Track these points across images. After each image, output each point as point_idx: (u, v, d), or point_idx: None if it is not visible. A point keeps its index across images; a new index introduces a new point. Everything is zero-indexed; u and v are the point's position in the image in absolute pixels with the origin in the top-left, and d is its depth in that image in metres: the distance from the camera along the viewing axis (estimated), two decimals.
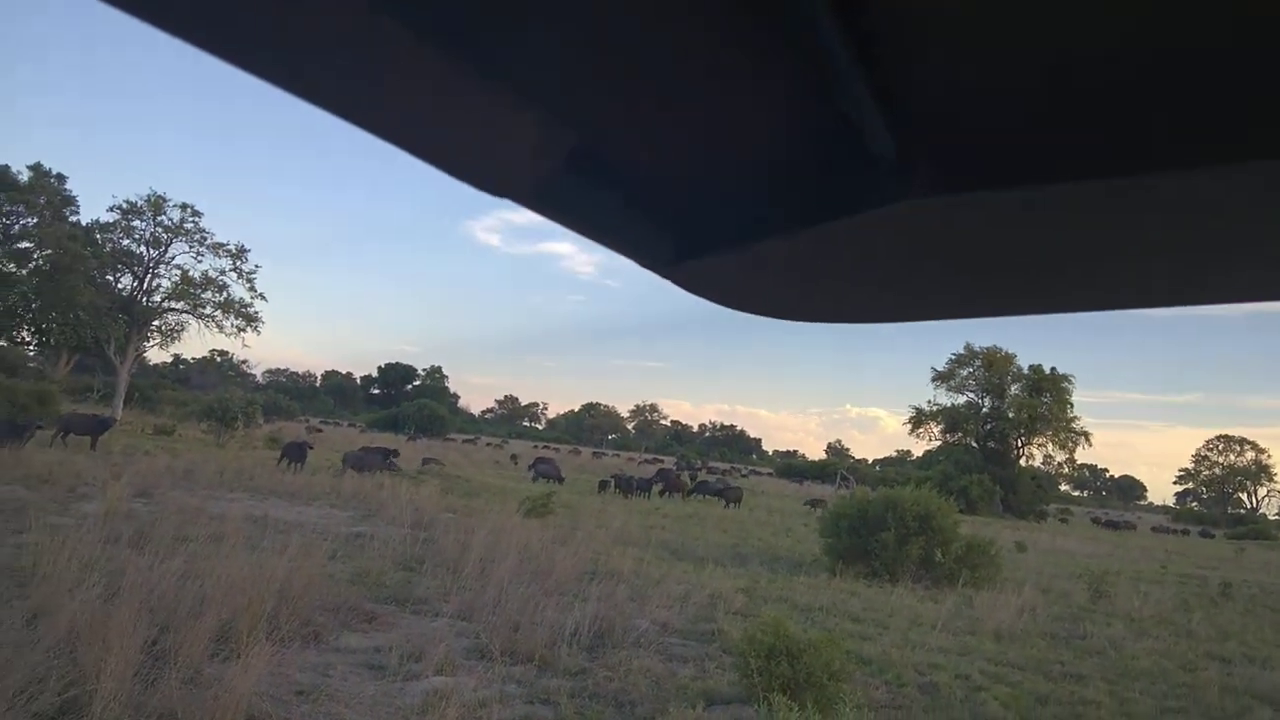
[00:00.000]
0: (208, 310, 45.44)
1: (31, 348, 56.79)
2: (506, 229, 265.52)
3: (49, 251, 42.36)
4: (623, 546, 15.71)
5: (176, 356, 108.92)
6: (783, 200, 0.68)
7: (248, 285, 46.44)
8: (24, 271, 44.41)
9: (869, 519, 17.08)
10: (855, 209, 0.62)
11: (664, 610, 10.60)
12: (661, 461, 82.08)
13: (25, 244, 44.42)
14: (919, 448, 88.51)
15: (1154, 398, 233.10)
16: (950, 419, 74.03)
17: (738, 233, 0.71)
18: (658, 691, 7.29)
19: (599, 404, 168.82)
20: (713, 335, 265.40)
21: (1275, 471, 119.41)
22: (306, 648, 7.39)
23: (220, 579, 7.75)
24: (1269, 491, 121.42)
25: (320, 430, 59.22)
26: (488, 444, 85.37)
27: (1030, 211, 0.59)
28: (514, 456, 58.46)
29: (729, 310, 0.88)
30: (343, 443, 46.79)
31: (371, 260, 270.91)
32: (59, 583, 7.28)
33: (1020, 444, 72.92)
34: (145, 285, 45.49)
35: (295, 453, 26.45)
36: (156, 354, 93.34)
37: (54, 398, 36.19)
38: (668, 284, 0.80)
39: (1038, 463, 74.55)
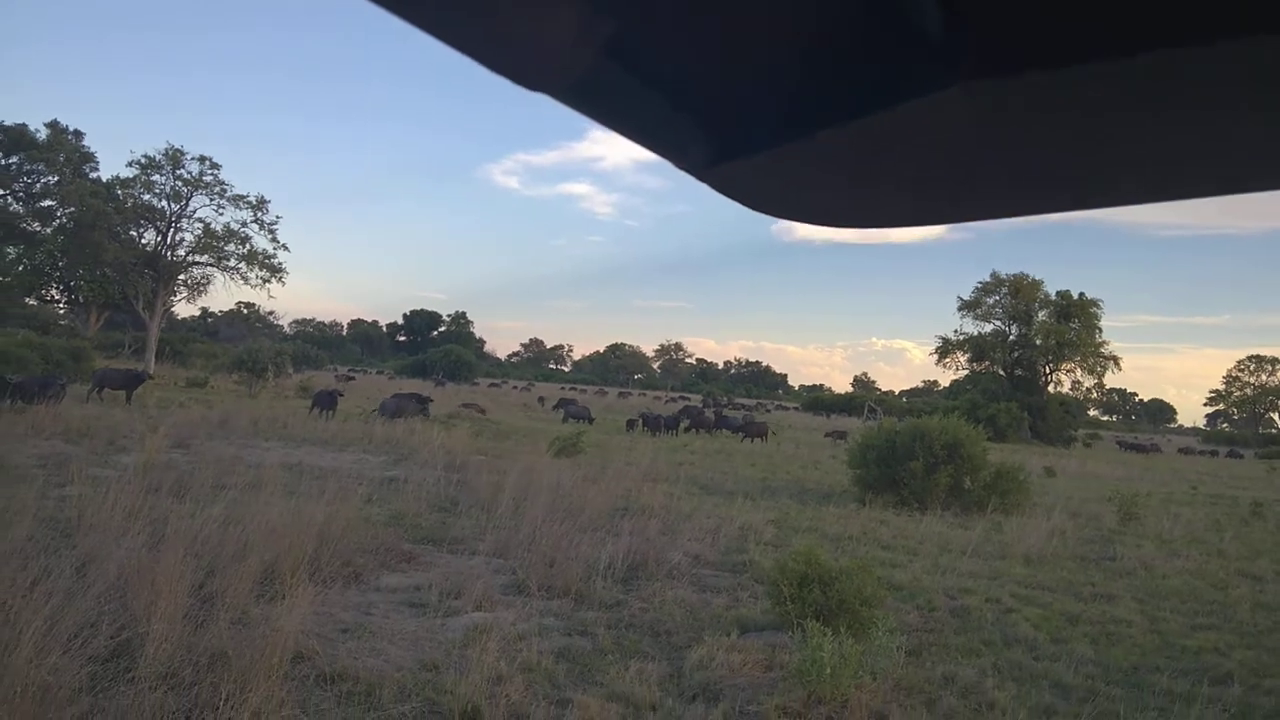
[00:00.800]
0: (232, 263, 45.71)
1: (61, 305, 57.66)
2: (525, 171, 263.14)
3: (72, 209, 42.62)
4: (653, 483, 15.86)
5: (204, 310, 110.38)
6: (825, 91, 0.63)
7: (270, 236, 46.60)
8: (49, 230, 44.81)
9: (897, 449, 17.08)
10: (899, 99, 0.57)
11: (696, 543, 10.74)
12: (688, 399, 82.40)
13: (48, 202, 44.73)
14: (946, 378, 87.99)
15: (1183, 319, 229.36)
16: (977, 348, 73.39)
17: (774, 132, 0.67)
18: (692, 621, 7.42)
19: (624, 344, 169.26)
20: (736, 272, 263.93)
21: None
22: (348, 588, 7.58)
23: (261, 524, 7.92)
24: None
25: (352, 379, 60.02)
26: (514, 387, 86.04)
27: (1100, 92, 0.54)
28: (541, 399, 58.92)
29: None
30: (373, 390, 47.42)
31: (391, 207, 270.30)
32: (105, 532, 7.50)
33: (1048, 370, 72.28)
34: (169, 240, 45.75)
35: (326, 401, 26.82)
36: (184, 308, 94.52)
37: (87, 354, 36.83)
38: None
39: (1066, 389, 73.90)
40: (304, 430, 21.55)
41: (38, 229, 45.01)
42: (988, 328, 73.85)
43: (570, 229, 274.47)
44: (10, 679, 4.06)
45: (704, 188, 0.76)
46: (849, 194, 0.86)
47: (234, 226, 45.80)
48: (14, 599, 4.86)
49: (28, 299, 60.60)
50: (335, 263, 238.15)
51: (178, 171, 44.87)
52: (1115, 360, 72.08)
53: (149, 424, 18.46)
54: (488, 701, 5.10)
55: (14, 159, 43.88)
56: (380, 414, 26.26)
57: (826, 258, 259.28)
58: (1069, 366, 72.06)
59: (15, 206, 44.32)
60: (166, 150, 44.52)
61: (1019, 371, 71.95)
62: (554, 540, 9.19)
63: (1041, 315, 72.04)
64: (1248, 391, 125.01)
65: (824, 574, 6.75)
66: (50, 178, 44.29)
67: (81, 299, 47.69)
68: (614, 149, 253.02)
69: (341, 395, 29.20)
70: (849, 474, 18.83)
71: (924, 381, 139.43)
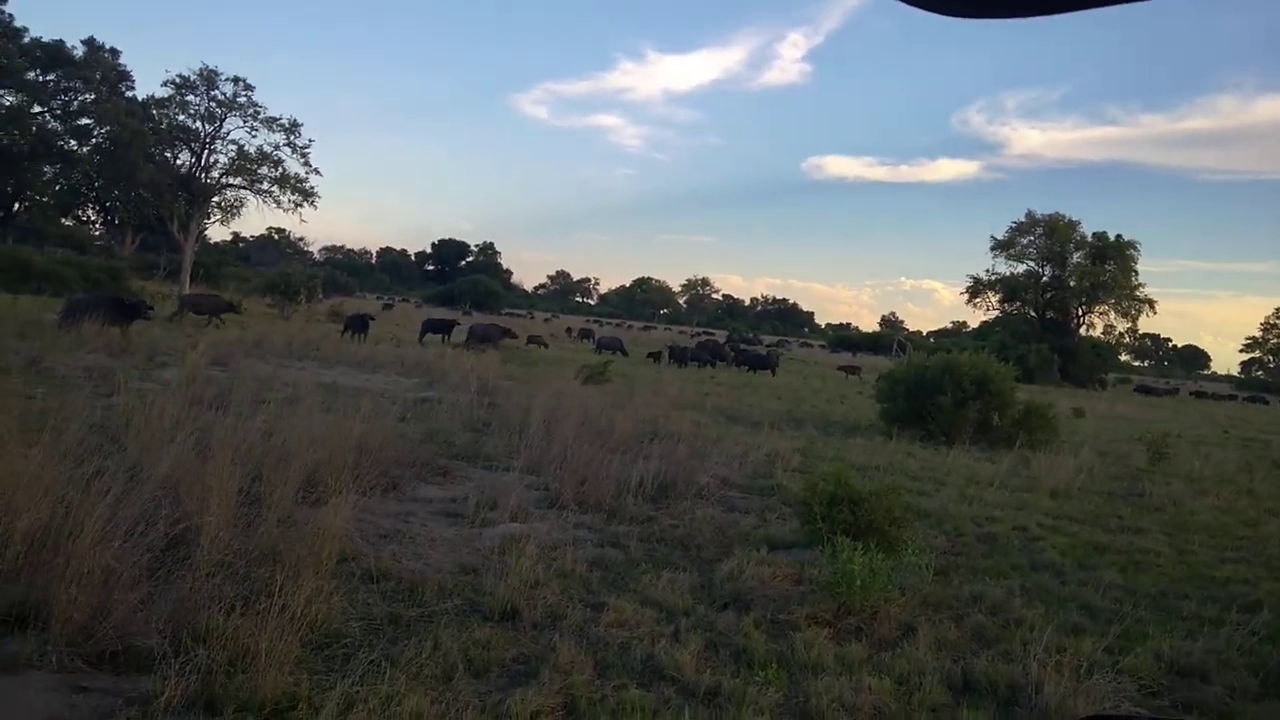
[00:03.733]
0: (264, 185, 45.71)
1: (97, 226, 58.32)
2: (553, 101, 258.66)
3: (108, 128, 42.68)
4: (680, 410, 15.98)
5: (236, 234, 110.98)
6: None
7: (302, 160, 46.46)
8: (85, 149, 44.99)
9: (925, 383, 17.03)
10: None
11: (723, 467, 10.88)
12: (712, 335, 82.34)
13: (85, 121, 44.81)
14: (975, 319, 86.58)
15: (1224, 266, 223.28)
16: (1009, 288, 72.19)
17: None
18: (721, 537, 7.56)
19: (650, 279, 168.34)
20: (765, 208, 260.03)
21: None
22: (386, 497, 7.79)
23: (302, 435, 8.10)
24: None
25: (390, 306, 61.15)
26: (544, 319, 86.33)
27: None
28: (569, 329, 59.44)
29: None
30: (405, 319, 47.89)
31: (420, 135, 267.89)
32: (153, 438, 7.71)
33: (1081, 313, 71.13)
34: (203, 161, 45.76)
35: (358, 324, 27.14)
36: (217, 231, 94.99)
37: (124, 274, 37.35)
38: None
39: (1098, 332, 72.79)
40: (337, 352, 21.86)
41: (74, 148, 45.21)
42: (1020, 268, 72.57)
43: (598, 161, 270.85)
44: (77, 562, 4.25)
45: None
46: None
47: (267, 149, 45.67)
48: (73, 492, 5.04)
49: (64, 219, 61.36)
50: (365, 190, 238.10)
51: (212, 92, 44.62)
52: (1150, 304, 70.78)
53: (188, 342, 18.82)
54: (526, 603, 5.28)
55: (51, 76, 43.89)
56: (469, 340, 28.92)
57: (857, 195, 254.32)
58: (1102, 309, 70.89)
59: (53, 124, 44.50)
60: (201, 70, 44.22)
61: (1050, 313, 70.87)
62: (585, 459, 9.32)
63: (1076, 257, 70.56)
64: None
65: (853, 495, 6.82)
66: (87, 95, 44.29)
67: (117, 220, 48.17)
68: (644, 79, 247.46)
69: (372, 319, 29.57)
70: (875, 408, 18.86)
71: (952, 323, 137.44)
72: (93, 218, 52.16)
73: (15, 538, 4.55)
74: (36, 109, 43.47)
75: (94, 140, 44.98)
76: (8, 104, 41.31)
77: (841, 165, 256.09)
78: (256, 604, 4.40)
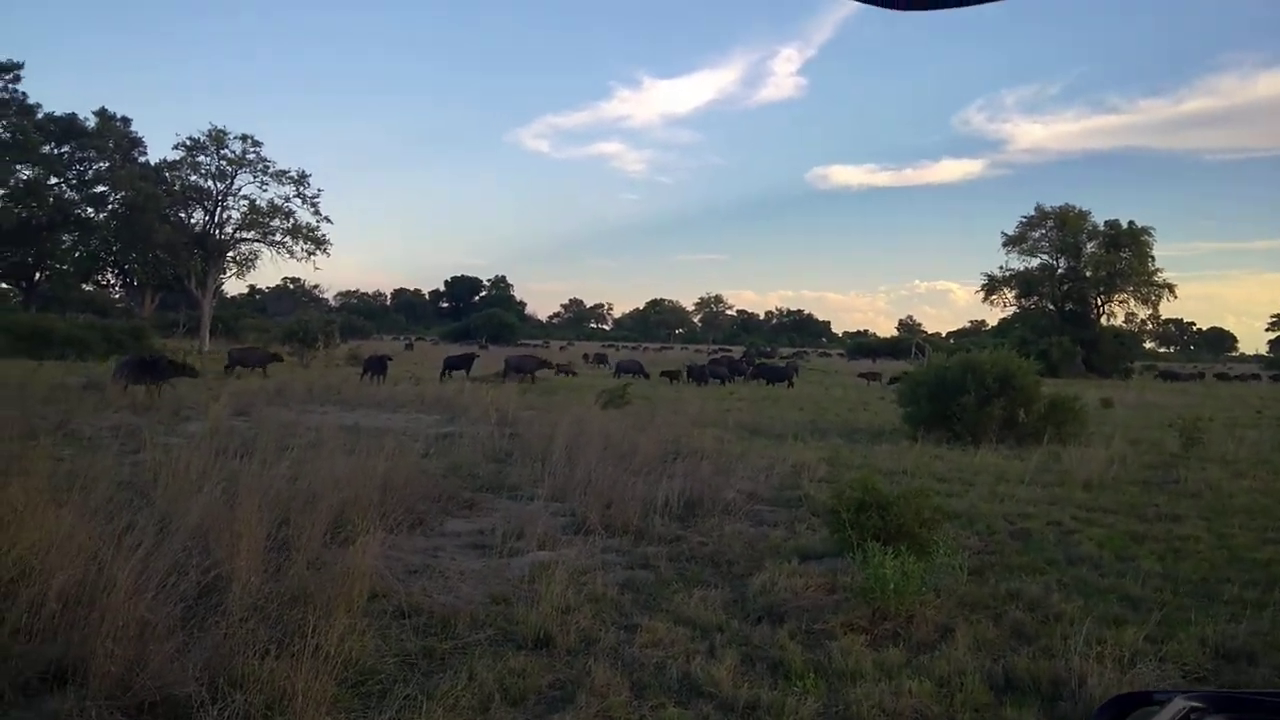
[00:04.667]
0: (277, 237, 46.45)
1: (117, 289, 59.27)
2: (554, 134, 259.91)
3: (123, 193, 43.53)
4: (702, 428, 15.95)
5: (252, 287, 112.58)
6: None
7: (312, 209, 47.21)
8: (103, 216, 45.87)
9: (947, 384, 16.91)
10: None
11: (749, 481, 10.82)
12: (729, 351, 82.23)
13: (100, 188, 45.72)
14: (993, 317, 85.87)
15: (1241, 245, 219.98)
16: (1024, 283, 71.54)
17: None
18: (751, 552, 7.51)
19: (663, 300, 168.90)
20: (773, 222, 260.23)
21: None
22: (414, 533, 7.81)
23: (326, 477, 8.16)
24: None
25: (410, 347, 62.19)
26: (560, 347, 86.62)
27: None
28: (585, 355, 59.73)
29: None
30: (425, 357, 48.22)
31: (426, 177, 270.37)
32: (180, 490, 7.78)
33: (1100, 303, 70.38)
34: (216, 218, 46.61)
35: (376, 366, 27.33)
36: (233, 285, 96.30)
37: (146, 333, 37.88)
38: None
39: (1120, 321, 71.94)
40: (357, 395, 22.02)
41: (91, 215, 46.08)
42: (1035, 262, 71.91)
43: (603, 188, 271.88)
44: (111, 616, 4.28)
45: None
46: None
47: (278, 201, 46.54)
48: (105, 548, 5.09)
49: (84, 284, 62.38)
50: (375, 234, 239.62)
51: (221, 151, 45.63)
52: (1170, 288, 69.91)
53: (210, 394, 19.03)
54: (558, 629, 5.25)
55: (65, 147, 44.85)
56: (506, 371, 30.74)
57: (863, 202, 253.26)
58: (1121, 297, 70.07)
59: (69, 194, 45.40)
60: (210, 131, 45.24)
61: (1069, 305, 70.12)
62: (609, 483, 9.31)
63: (1091, 247, 69.90)
64: None
65: (881, 499, 6.77)
66: (101, 164, 45.23)
67: (136, 281, 48.93)
68: (642, 105, 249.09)
69: (390, 359, 29.82)
70: (899, 413, 18.73)
71: (970, 322, 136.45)
72: (112, 281, 53.01)
73: (50, 596, 4.59)
74: (53, 180, 44.38)
75: (110, 206, 45.90)
76: (25, 178, 42.21)
77: (845, 174, 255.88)
78: (290, 646, 4.41)
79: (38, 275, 55.64)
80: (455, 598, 5.96)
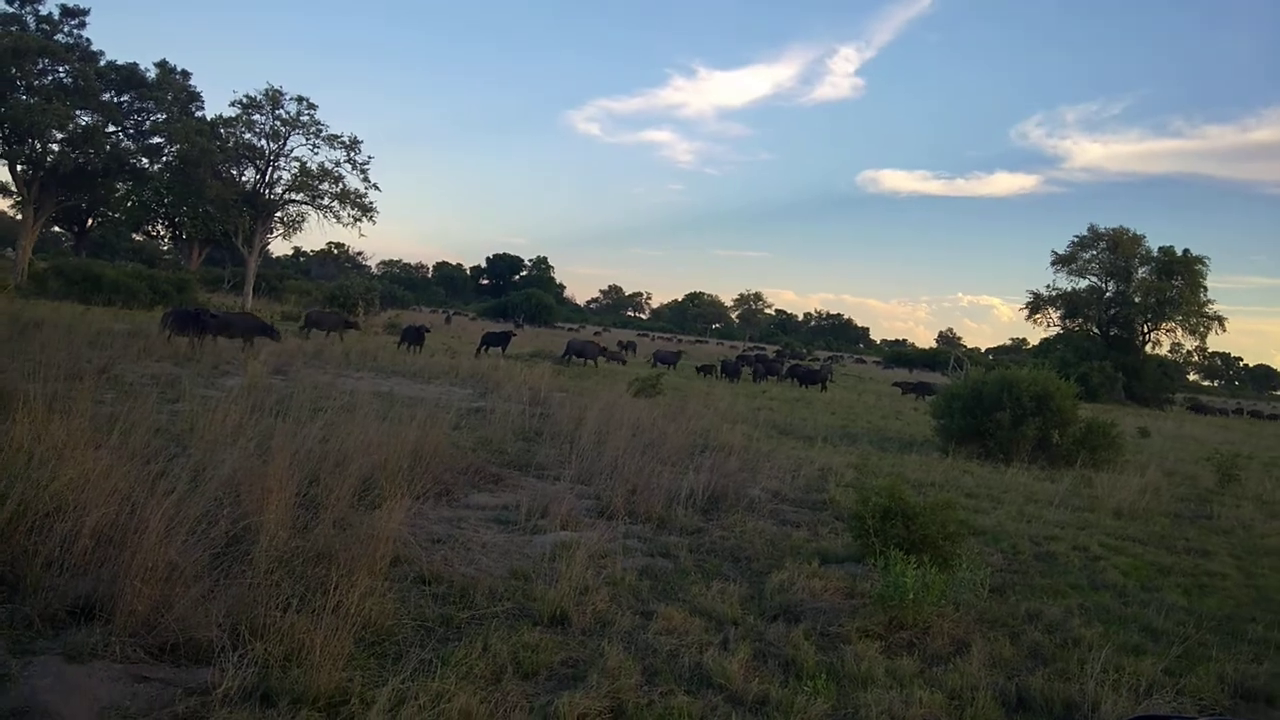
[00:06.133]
0: (325, 201, 46.97)
1: (165, 241, 60.43)
2: (606, 118, 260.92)
3: (178, 146, 44.31)
4: (731, 424, 15.90)
5: (297, 249, 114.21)
6: None
7: (361, 176, 47.67)
8: (157, 167, 46.74)
9: (984, 399, 16.67)
10: None
11: (775, 480, 10.78)
12: (762, 349, 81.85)
13: (156, 139, 46.59)
14: (1035, 336, 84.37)
15: None
16: (1070, 304, 70.19)
17: None
18: (772, 550, 7.50)
19: (702, 293, 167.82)
20: (819, 223, 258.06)
21: None
22: (439, 503, 7.90)
23: (358, 441, 8.27)
24: None
25: (449, 321, 62.92)
26: (595, 332, 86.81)
27: None
28: (619, 343, 59.82)
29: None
30: (463, 331, 48.67)
31: (477, 152, 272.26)
32: (215, 441, 7.95)
33: (1146, 330, 68.85)
34: (267, 178, 47.26)
35: (414, 336, 27.61)
36: (279, 246, 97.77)
37: (192, 286, 38.59)
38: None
39: (1165, 350, 70.35)
40: (393, 363, 22.28)
41: (146, 165, 46.96)
42: (1083, 284, 70.48)
43: (651, 176, 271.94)
44: (142, 557, 4.39)
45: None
46: None
47: (328, 165, 47.01)
48: (139, 491, 5.22)
49: (135, 234, 63.66)
50: (422, 206, 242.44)
51: (277, 111, 46.17)
52: (1220, 321, 68.15)
53: (249, 352, 19.37)
54: (575, 608, 5.29)
55: (125, 96, 45.73)
56: (566, 354, 31.54)
57: (912, 210, 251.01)
58: (1169, 326, 68.43)
59: (125, 143, 46.31)
60: (266, 90, 45.81)
61: (1115, 330, 68.70)
62: (635, 470, 9.34)
63: (1142, 272, 68.34)
64: None
65: (907, 508, 6.70)
66: (159, 115, 46.05)
67: (184, 234, 49.80)
68: (696, 95, 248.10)
69: (428, 330, 30.12)
70: (931, 424, 18.52)
71: (1011, 339, 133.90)
72: (161, 232, 53.99)
73: (84, 533, 4.72)
74: (111, 128, 45.28)
75: (164, 158, 46.73)
76: (84, 124, 43.09)
77: (896, 179, 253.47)
78: (312, 601, 4.50)
79: (90, 221, 56.98)
80: (476, 569, 6.02)
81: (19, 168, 42.96)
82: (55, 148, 42.69)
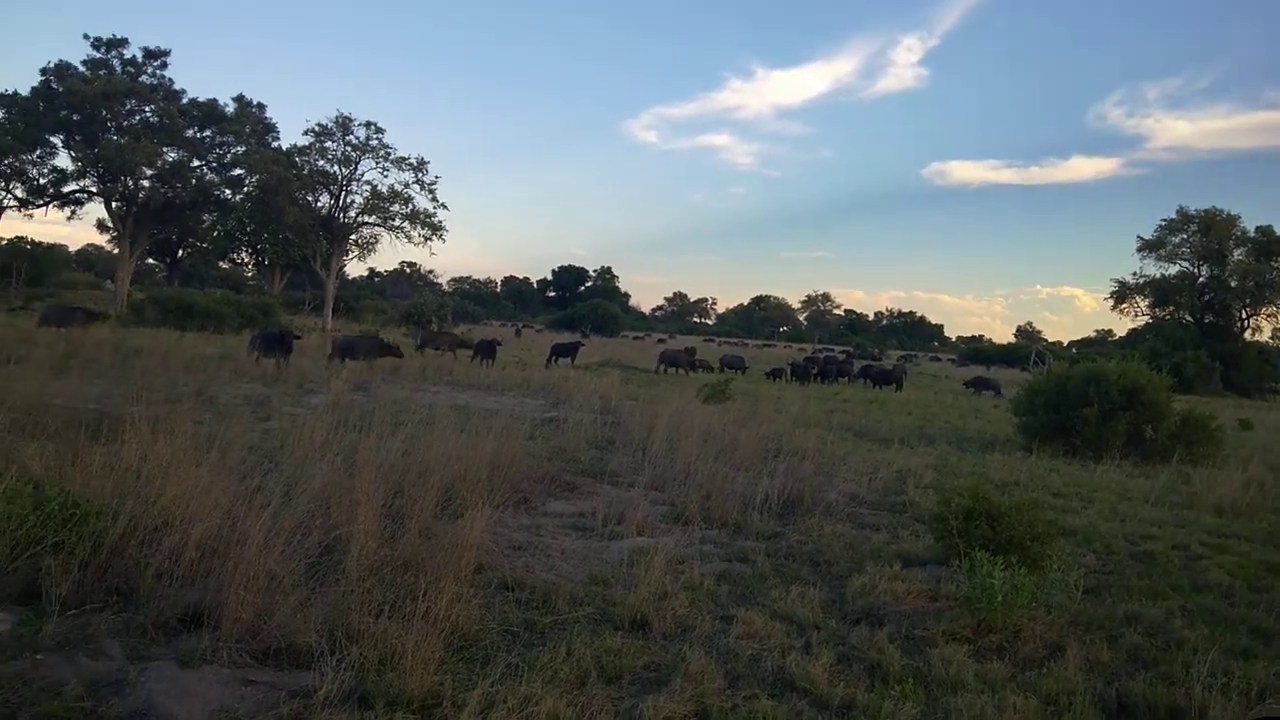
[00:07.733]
0: (396, 222, 48.35)
1: (249, 267, 63.05)
2: (663, 125, 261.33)
3: (258, 176, 46.19)
4: (804, 427, 15.74)
5: (372, 270, 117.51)
6: None
7: (430, 196, 48.92)
8: (238, 197, 48.79)
9: (1068, 394, 16.14)
10: None
11: (851, 484, 10.64)
12: (832, 351, 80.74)
13: (237, 171, 48.65)
14: (1122, 326, 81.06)
15: None
16: (1160, 291, 67.06)
17: None
18: (851, 553, 7.40)
19: (769, 296, 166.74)
20: (886, 219, 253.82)
21: None
22: (518, 511, 8.04)
23: (438, 453, 8.48)
24: None
25: (520, 334, 64.26)
26: (659, 340, 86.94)
27: None
28: (686, 348, 59.88)
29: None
30: (533, 342, 49.37)
31: (539, 166, 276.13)
32: (305, 456, 8.26)
33: (1245, 316, 65.43)
34: (340, 202, 48.89)
35: (486, 350, 28.14)
36: (354, 267, 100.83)
37: (275, 309, 40.12)
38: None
39: (1266, 336, 66.71)
40: (467, 376, 22.74)
41: (229, 196, 49.07)
42: (1172, 269, 67.24)
43: (711, 181, 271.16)
44: (244, 567, 4.61)
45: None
46: None
47: (398, 187, 48.40)
48: (238, 505, 5.47)
49: (221, 262, 66.57)
50: (489, 222, 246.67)
51: (347, 137, 47.75)
52: None
53: (332, 370, 20.04)
54: (655, 613, 5.32)
55: (207, 132, 47.89)
56: (661, 362, 33.16)
57: (983, 201, 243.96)
58: (1270, 311, 64.91)
59: (209, 176, 48.48)
60: (337, 117, 47.48)
61: (1209, 317, 65.41)
62: (708, 476, 9.33)
63: (1238, 254, 64.89)
64: None
65: (991, 509, 6.54)
66: (238, 147, 48.08)
67: (267, 260, 51.84)
68: (754, 96, 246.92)
69: (500, 344, 30.63)
70: (1013, 423, 18.01)
71: (1096, 331, 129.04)
72: (245, 260, 56.45)
73: (190, 545, 4.97)
74: (195, 163, 47.48)
75: (245, 189, 48.77)
76: (171, 160, 45.28)
77: (965, 170, 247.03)
78: (402, 608, 4.64)
79: (180, 252, 59.81)
80: (556, 575, 6.12)
81: (114, 204, 45.38)
82: (146, 184, 44.91)
